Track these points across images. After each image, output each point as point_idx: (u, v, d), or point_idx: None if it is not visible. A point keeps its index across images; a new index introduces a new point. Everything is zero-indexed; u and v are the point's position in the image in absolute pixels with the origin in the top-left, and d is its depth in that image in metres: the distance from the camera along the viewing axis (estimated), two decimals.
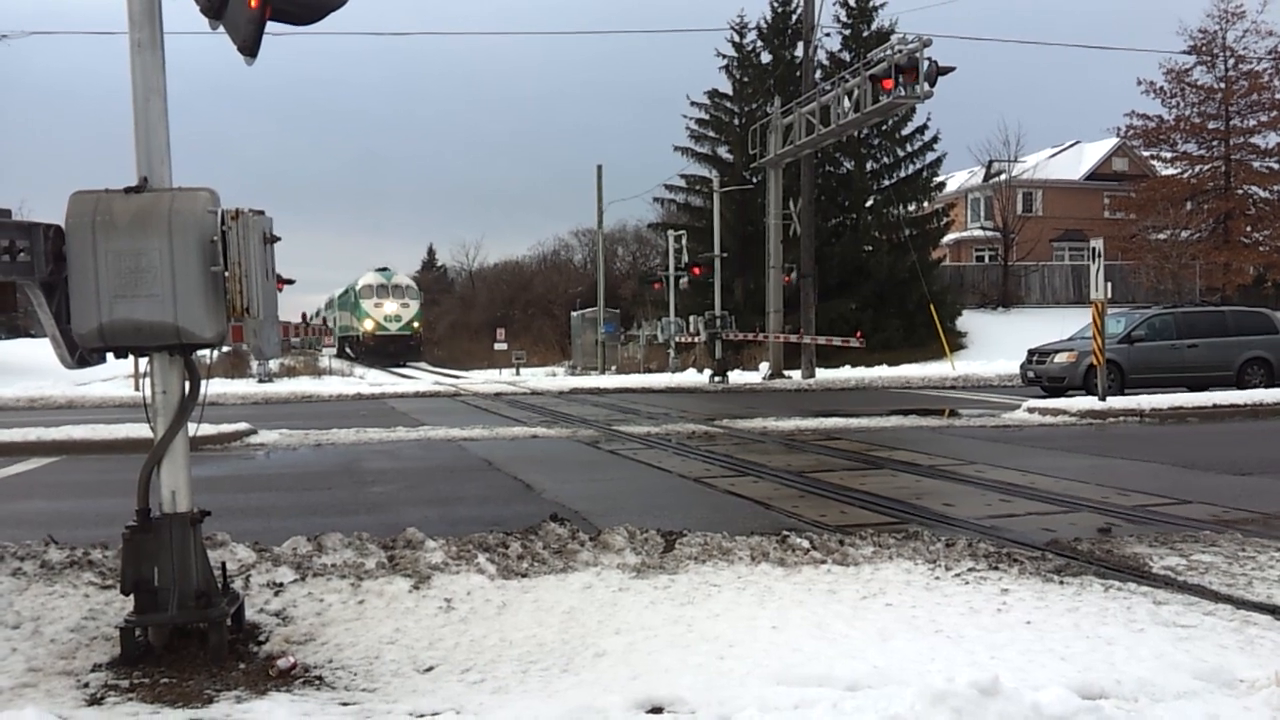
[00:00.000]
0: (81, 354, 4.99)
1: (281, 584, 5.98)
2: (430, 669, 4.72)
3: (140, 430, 12.80)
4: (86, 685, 4.55)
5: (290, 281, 10.27)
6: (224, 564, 5.50)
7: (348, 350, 62.44)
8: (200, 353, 5.15)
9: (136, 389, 24.75)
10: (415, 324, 59.54)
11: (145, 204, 4.76)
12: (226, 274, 4.75)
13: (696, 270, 35.20)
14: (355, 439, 15.51)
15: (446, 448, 14.42)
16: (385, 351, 56.53)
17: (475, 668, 4.71)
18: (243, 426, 16.00)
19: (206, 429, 14.18)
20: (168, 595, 4.86)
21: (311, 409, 22.97)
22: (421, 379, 37.75)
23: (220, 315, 4.80)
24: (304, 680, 4.60)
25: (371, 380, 34.81)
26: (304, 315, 60.51)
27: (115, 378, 29.00)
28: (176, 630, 4.92)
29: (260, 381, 30.90)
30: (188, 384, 5.03)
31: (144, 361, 5.08)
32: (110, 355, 5.07)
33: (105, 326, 4.73)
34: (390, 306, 58.11)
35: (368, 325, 57.55)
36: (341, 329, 65.61)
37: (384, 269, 60.89)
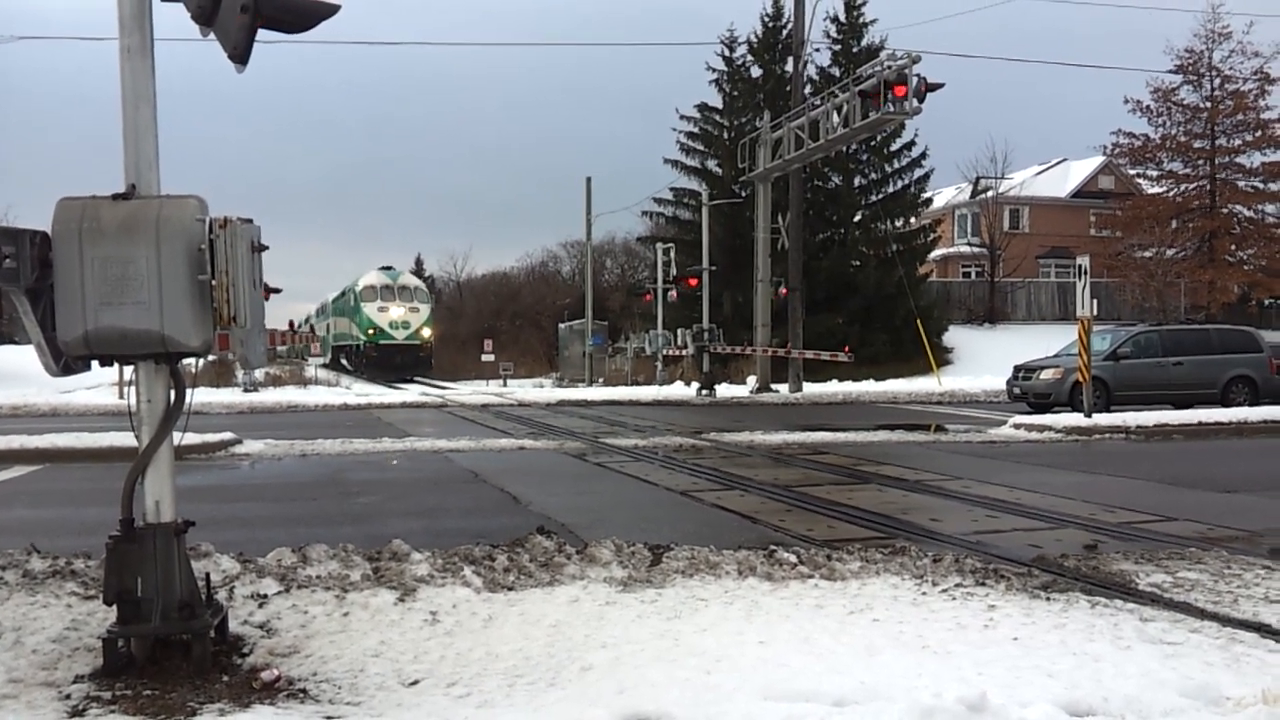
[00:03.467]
0: (67, 361, 4.95)
1: (266, 595, 5.94)
2: (415, 682, 4.69)
3: (124, 439, 12.72)
4: (68, 697, 4.50)
5: (277, 290, 10.22)
6: (208, 575, 5.45)
7: (343, 361, 55.27)
8: (186, 361, 5.11)
9: (121, 397, 24.58)
10: (425, 331, 50.80)
11: (133, 211, 4.73)
12: (214, 282, 4.72)
13: (693, 282, 35.15)
14: (341, 449, 15.45)
15: (433, 459, 14.37)
16: (390, 363, 48.58)
17: (461, 681, 4.68)
18: (228, 436, 15.92)
19: (191, 438, 14.04)
20: (151, 606, 4.81)
21: (297, 419, 22.88)
22: (409, 390, 37.64)
23: (207, 324, 4.78)
24: (288, 693, 4.56)
25: (358, 390, 34.71)
26: (291, 323, 58.31)
27: (99, 385, 28.85)
28: (160, 642, 4.87)
29: (246, 390, 30.76)
30: (173, 393, 4.99)
31: (129, 369, 5.03)
32: (95, 363, 5.03)
33: (91, 334, 4.69)
34: (397, 311, 49.69)
35: (370, 333, 49.28)
36: (337, 337, 57.14)
37: (389, 268, 52.75)
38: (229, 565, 6.44)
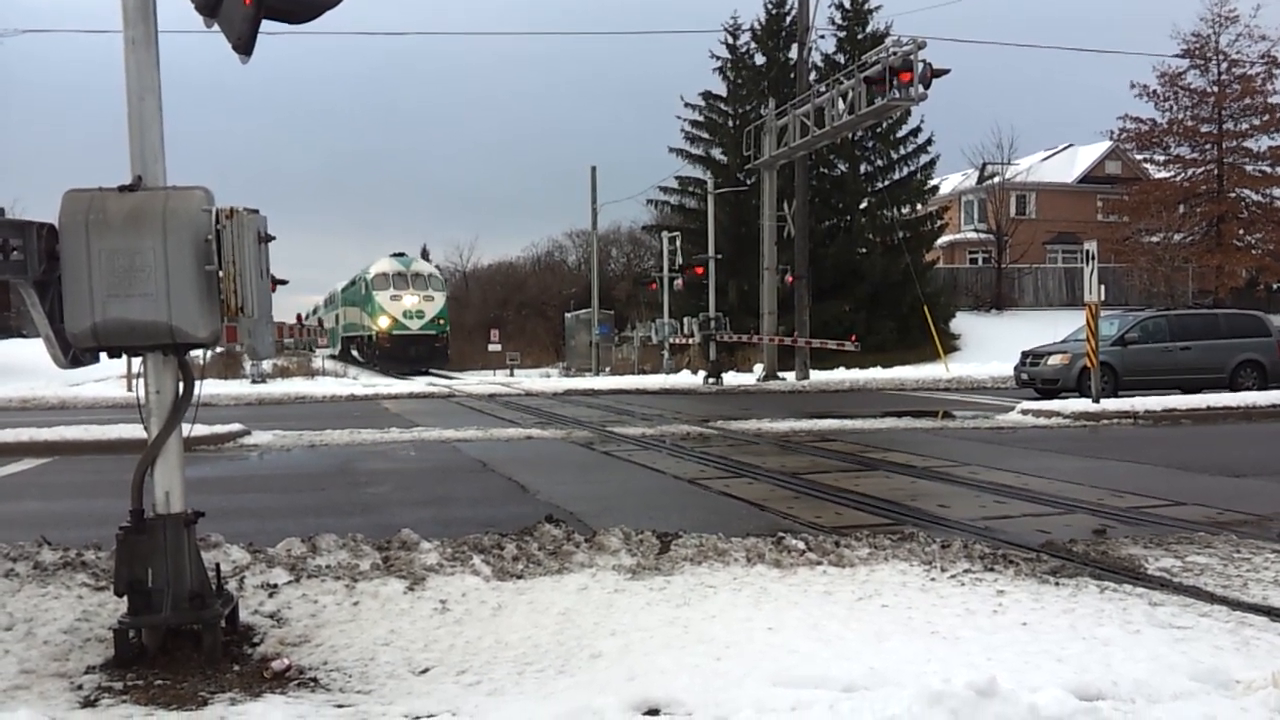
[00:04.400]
0: (75, 353, 4.96)
1: (276, 585, 5.96)
2: (425, 671, 4.70)
3: (134, 431, 12.75)
4: (80, 687, 4.52)
5: (284, 282, 10.24)
6: (218, 565, 5.47)
7: (354, 353, 52.97)
8: (194, 353, 5.12)
9: (129, 389, 24.66)
10: (442, 321, 47.99)
11: (139, 203, 4.73)
12: (221, 273, 4.72)
13: (699, 270, 35.09)
14: (349, 440, 15.48)
15: (440, 449, 14.39)
16: (405, 355, 45.77)
17: (471, 669, 4.69)
18: (236, 427, 15.96)
19: (200, 430, 14.15)
20: (162, 597, 4.83)
21: (305, 410, 22.93)
22: (416, 380, 37.67)
23: (214, 315, 4.78)
24: (298, 682, 4.58)
25: (365, 381, 34.77)
26: (299, 317, 57.59)
27: (108, 378, 28.89)
28: (171, 632, 4.89)
29: (254, 382, 30.87)
30: (181, 384, 5.00)
31: (137, 361, 5.04)
32: (104, 355, 5.04)
33: (99, 326, 4.70)
34: (411, 300, 46.95)
35: (383, 323, 46.33)
36: (347, 327, 54.90)
37: (401, 254, 50.31)
38: (239, 555, 6.46)
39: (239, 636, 5.17)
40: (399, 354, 45.90)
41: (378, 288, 47.38)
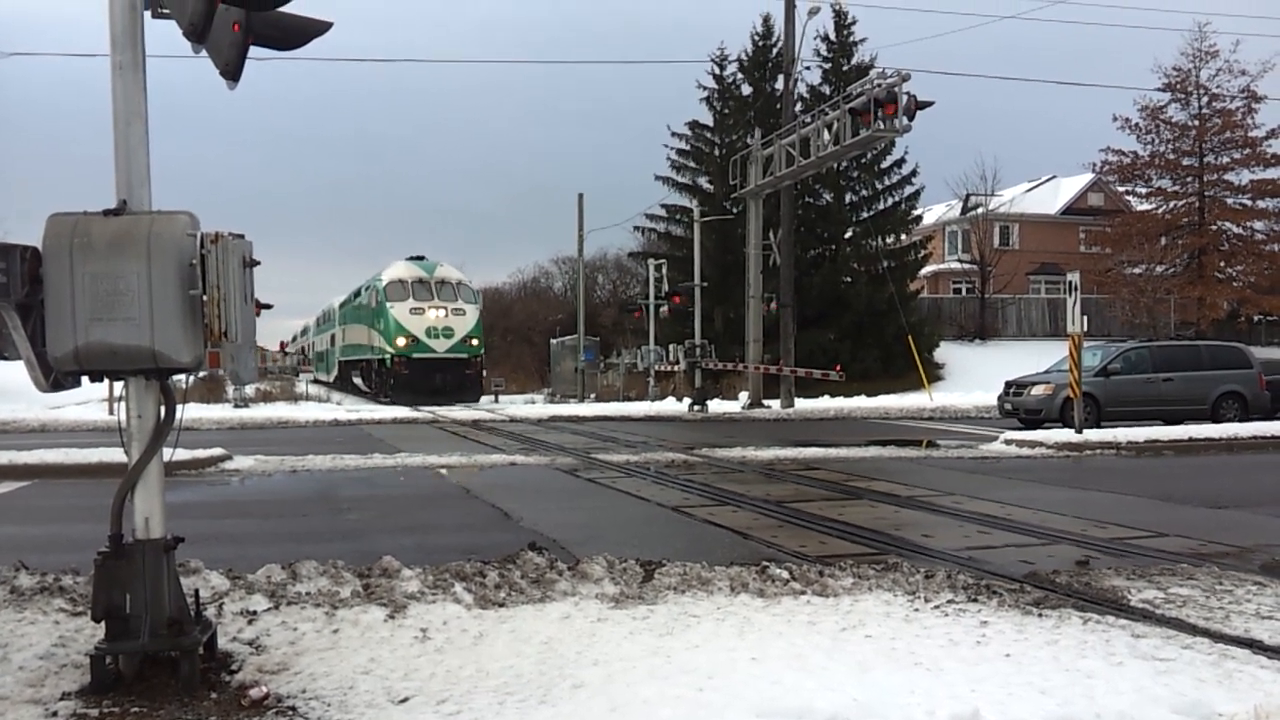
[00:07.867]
0: (56, 377, 4.94)
1: (255, 612, 5.91)
2: (405, 700, 4.66)
3: (114, 455, 12.67)
4: (55, 714, 4.47)
5: (268, 306, 10.26)
6: (197, 591, 5.42)
7: (357, 381, 43.14)
8: (176, 377, 5.10)
9: (111, 413, 24.49)
10: (474, 340, 37.98)
11: (124, 227, 4.72)
12: (205, 298, 4.71)
13: (677, 299, 35.13)
14: (331, 465, 15.40)
15: (424, 475, 14.33)
16: (428, 384, 35.96)
17: (451, 699, 4.65)
18: (218, 452, 15.86)
19: (181, 454, 14.04)
20: (139, 623, 4.78)
21: (288, 435, 22.82)
22: (400, 406, 37.40)
23: (198, 339, 4.76)
24: (277, 710, 4.53)
25: (349, 406, 34.60)
26: (282, 344, 56.62)
27: (89, 401, 28.74)
28: (148, 658, 4.84)
29: (236, 407, 30.70)
30: (163, 409, 4.98)
31: (119, 385, 5.02)
32: (85, 379, 5.02)
33: (81, 350, 4.68)
34: (435, 314, 37.02)
35: (400, 343, 36.42)
36: (348, 350, 44.84)
37: (421, 258, 39.90)
38: (218, 582, 6.41)
39: (217, 664, 5.11)
40: (420, 382, 36.17)
41: (393, 298, 37.24)
